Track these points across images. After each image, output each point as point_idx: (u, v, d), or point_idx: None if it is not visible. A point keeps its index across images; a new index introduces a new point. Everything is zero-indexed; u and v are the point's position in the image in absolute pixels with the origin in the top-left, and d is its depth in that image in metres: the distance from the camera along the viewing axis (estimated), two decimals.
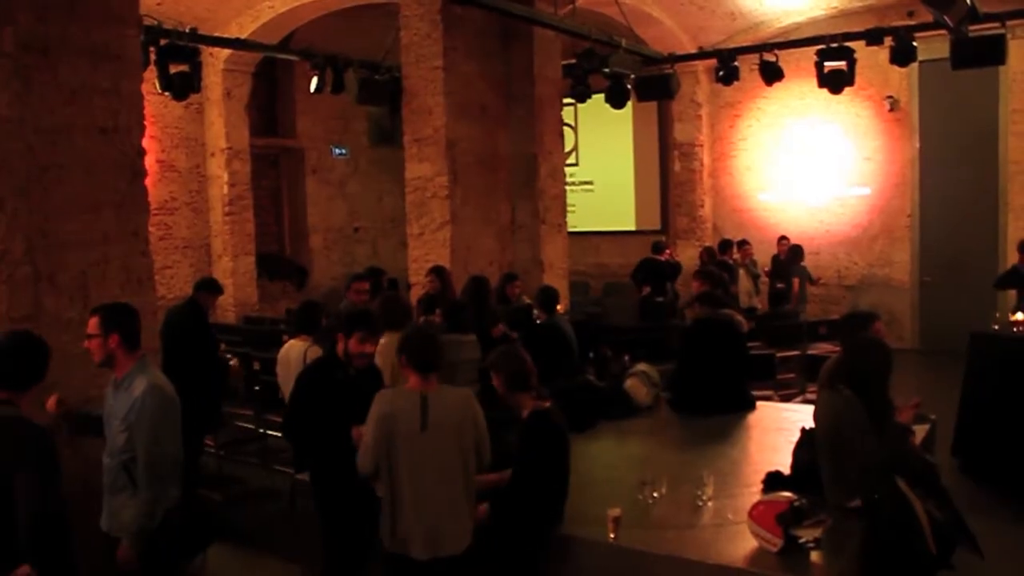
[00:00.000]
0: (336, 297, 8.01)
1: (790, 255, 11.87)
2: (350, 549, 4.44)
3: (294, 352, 6.05)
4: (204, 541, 4.36)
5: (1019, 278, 9.34)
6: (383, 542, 3.98)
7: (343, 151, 15.36)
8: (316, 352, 5.79)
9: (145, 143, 5.43)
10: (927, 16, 9.45)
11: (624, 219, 15.76)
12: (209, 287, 7.90)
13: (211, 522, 4.43)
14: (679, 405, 6.86)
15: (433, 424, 3.87)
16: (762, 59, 11.14)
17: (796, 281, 11.63)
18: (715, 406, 6.61)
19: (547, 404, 4.39)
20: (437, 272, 8.59)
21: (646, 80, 11.54)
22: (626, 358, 7.74)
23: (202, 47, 9.97)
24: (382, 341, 4.96)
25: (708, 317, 7.06)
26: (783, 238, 12.40)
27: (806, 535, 3.91)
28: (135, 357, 3.94)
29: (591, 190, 15.90)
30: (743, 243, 12.43)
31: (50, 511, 3.45)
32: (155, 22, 8.77)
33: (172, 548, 3.92)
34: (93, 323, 3.91)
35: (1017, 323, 7.55)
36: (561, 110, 11.20)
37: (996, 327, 7.84)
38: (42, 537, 3.41)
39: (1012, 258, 9.82)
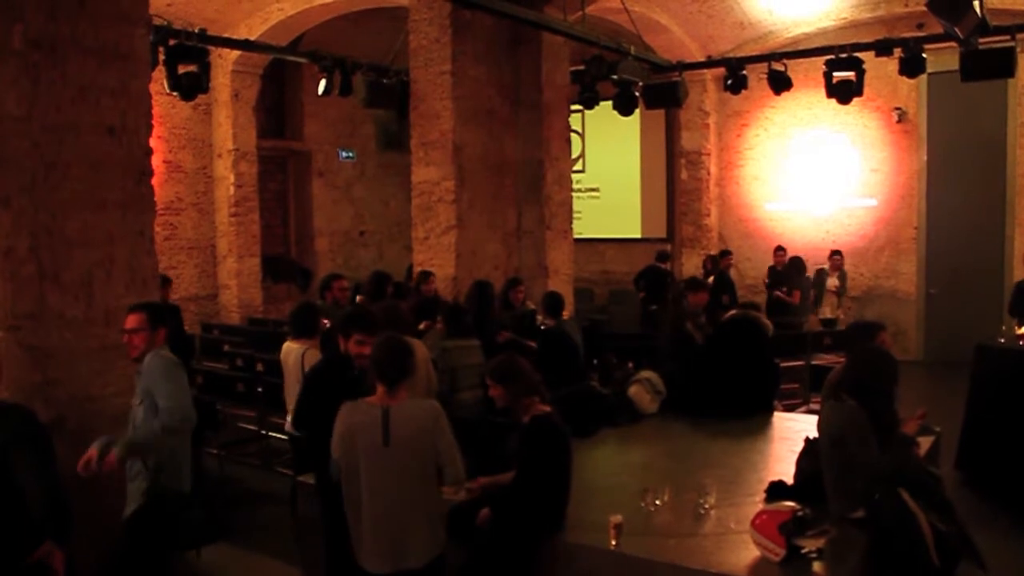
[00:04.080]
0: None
1: (792, 267, 11.84)
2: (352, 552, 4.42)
3: (292, 355, 6.06)
4: (201, 537, 4.38)
5: None
6: (354, 555, 3.96)
7: (350, 154, 15.39)
8: (314, 354, 5.81)
9: (152, 143, 5.43)
10: (937, 28, 9.42)
11: (630, 227, 15.75)
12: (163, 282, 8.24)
13: (211, 520, 4.45)
14: (695, 404, 6.88)
15: (396, 438, 3.80)
16: (770, 68, 11.12)
17: (798, 293, 11.61)
18: (734, 406, 6.69)
19: (548, 409, 4.37)
20: (429, 276, 8.63)
21: (654, 88, 11.53)
22: (630, 365, 7.73)
23: (211, 48, 9.96)
24: None
25: (740, 316, 7.23)
26: (780, 248, 12.35)
27: (809, 545, 3.89)
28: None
29: (597, 197, 15.90)
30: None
31: (52, 485, 3.47)
32: (164, 22, 8.79)
33: (166, 537, 3.96)
34: (139, 319, 4.22)
35: (1023, 336, 7.52)
36: (568, 116, 11.21)
37: (1002, 340, 7.80)
38: (56, 510, 3.43)
39: (1020, 272, 9.75)
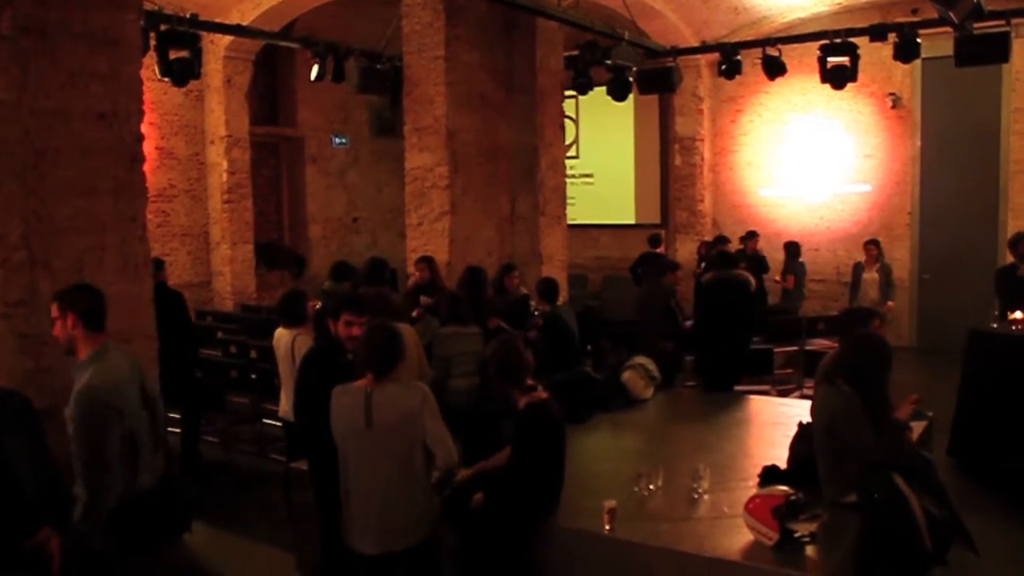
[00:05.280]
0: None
1: (788, 252, 11.81)
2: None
3: (282, 342, 6.07)
4: (178, 526, 4.30)
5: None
6: (344, 536, 4.02)
7: (343, 141, 15.33)
8: (305, 340, 5.81)
9: (144, 129, 5.39)
10: (931, 12, 9.44)
11: (624, 212, 15.72)
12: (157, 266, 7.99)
13: (185, 507, 4.38)
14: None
15: (378, 421, 3.85)
16: (765, 53, 11.10)
17: (792, 278, 11.57)
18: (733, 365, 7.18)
19: (543, 395, 4.37)
20: (427, 261, 8.60)
21: (648, 73, 11.51)
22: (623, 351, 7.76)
23: (203, 33, 9.91)
24: None
25: (721, 277, 7.60)
26: (751, 233, 12.20)
27: (802, 529, 3.91)
28: (96, 341, 3.72)
29: (591, 183, 15.87)
30: (751, 234, 12.26)
31: (49, 471, 3.46)
32: (155, 7, 8.72)
33: (143, 531, 3.90)
34: (54, 308, 3.74)
35: (1015, 321, 7.54)
36: (562, 102, 11.17)
37: (995, 325, 7.83)
38: (53, 497, 3.42)
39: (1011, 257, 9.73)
